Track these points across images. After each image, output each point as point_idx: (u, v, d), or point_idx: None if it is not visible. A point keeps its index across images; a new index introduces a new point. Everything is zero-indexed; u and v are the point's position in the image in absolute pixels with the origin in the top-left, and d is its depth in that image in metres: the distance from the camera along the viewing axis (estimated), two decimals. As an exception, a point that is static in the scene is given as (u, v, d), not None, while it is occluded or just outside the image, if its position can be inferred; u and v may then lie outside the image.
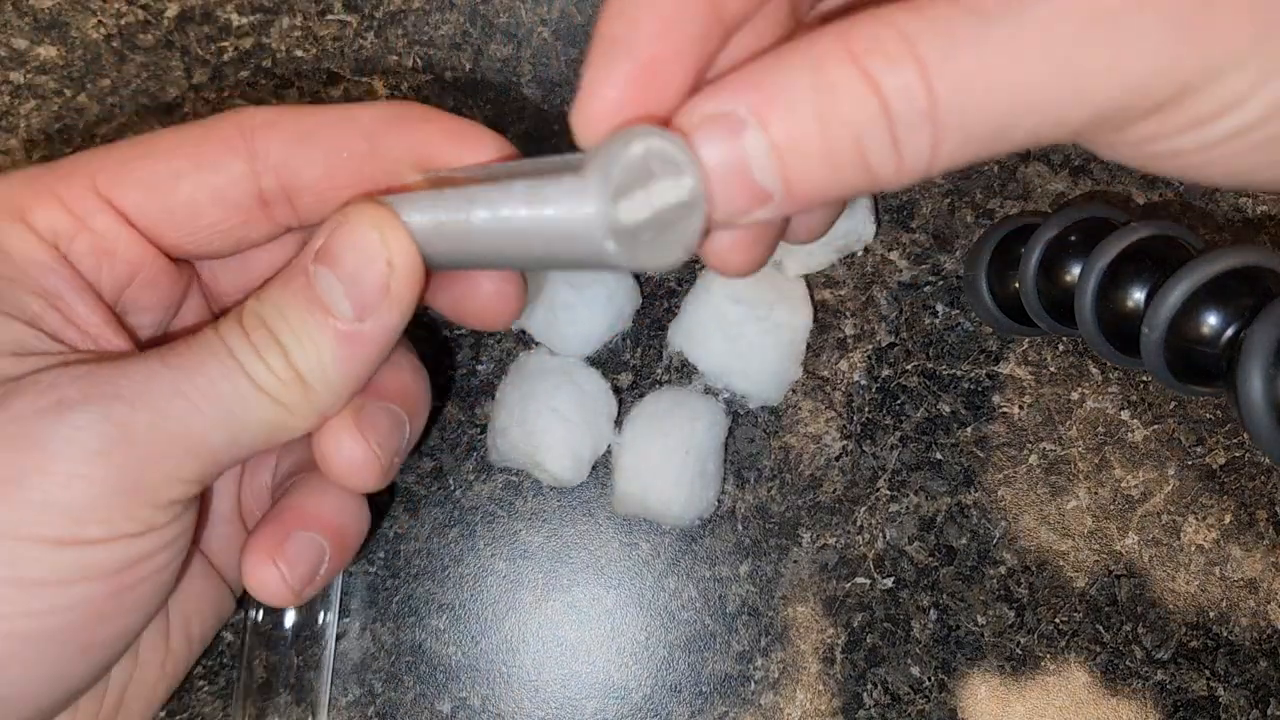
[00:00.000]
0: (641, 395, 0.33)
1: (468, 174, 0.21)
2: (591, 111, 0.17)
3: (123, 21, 0.34)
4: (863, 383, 0.33)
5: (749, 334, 0.31)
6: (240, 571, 0.23)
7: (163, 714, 0.31)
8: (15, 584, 0.19)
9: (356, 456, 0.22)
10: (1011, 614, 0.33)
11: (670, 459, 0.31)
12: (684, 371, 0.33)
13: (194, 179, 0.22)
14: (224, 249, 0.23)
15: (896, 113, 0.14)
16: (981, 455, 0.33)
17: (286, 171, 0.22)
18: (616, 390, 0.33)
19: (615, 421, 0.32)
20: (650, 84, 0.17)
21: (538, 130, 0.34)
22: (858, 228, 0.33)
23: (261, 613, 0.29)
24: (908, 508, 0.33)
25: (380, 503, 0.33)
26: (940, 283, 0.34)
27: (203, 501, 0.25)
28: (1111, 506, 0.33)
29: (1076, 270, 0.28)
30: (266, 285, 0.21)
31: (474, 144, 0.22)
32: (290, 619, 0.29)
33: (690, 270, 0.33)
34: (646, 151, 0.16)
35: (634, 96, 0.17)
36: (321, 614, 0.30)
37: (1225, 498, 0.33)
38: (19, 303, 0.20)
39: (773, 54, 0.15)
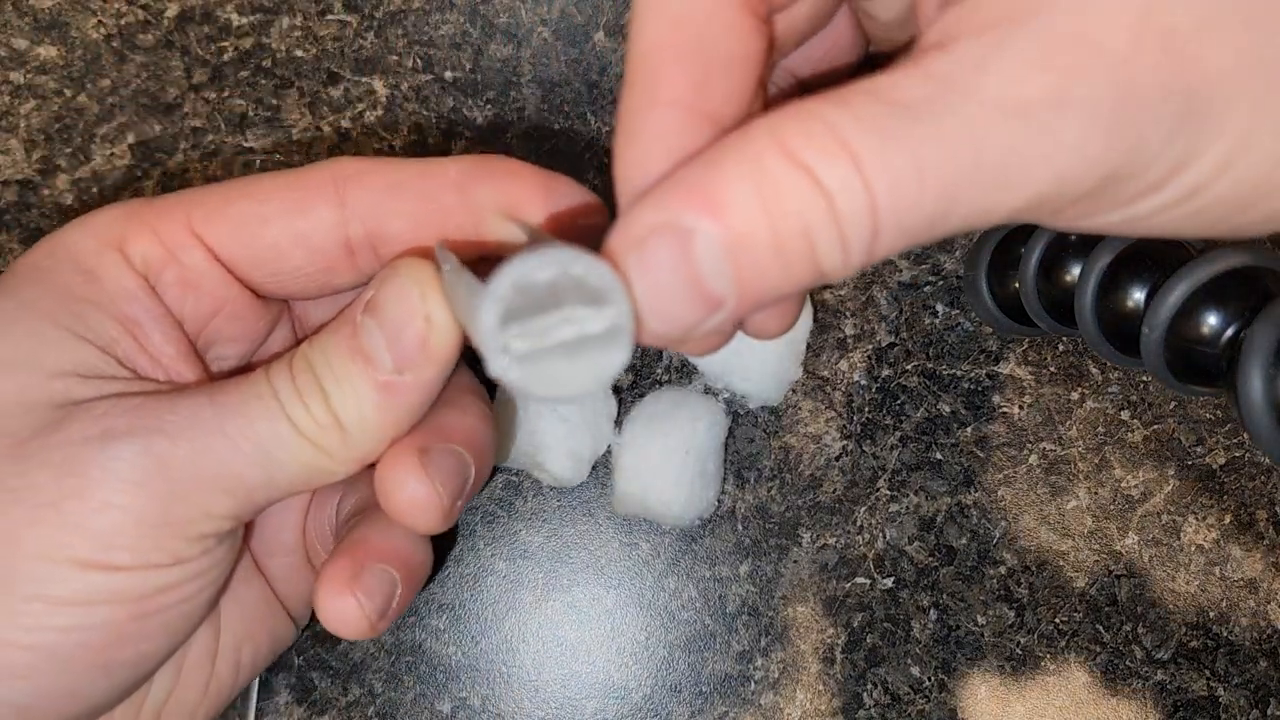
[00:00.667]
0: (641, 395, 0.33)
1: (538, 233, 0.22)
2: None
3: (123, 21, 0.34)
4: (863, 383, 0.33)
5: (749, 334, 0.32)
6: (315, 603, 0.23)
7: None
8: (43, 600, 0.19)
9: (419, 496, 0.22)
10: (1011, 614, 0.33)
11: (670, 459, 0.31)
12: (684, 371, 0.33)
13: (280, 223, 0.22)
14: (309, 291, 0.24)
15: (841, 209, 0.14)
16: (981, 455, 0.33)
17: (374, 221, 0.23)
18: (616, 390, 0.33)
19: (615, 421, 0.32)
20: None
21: (538, 130, 0.34)
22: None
23: None
24: (908, 508, 0.33)
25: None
26: (940, 283, 0.34)
27: (248, 532, 0.25)
28: (1111, 506, 0.33)
29: (1076, 270, 0.28)
30: (321, 330, 0.22)
31: (560, 196, 0.22)
32: None
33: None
34: (545, 279, 0.15)
35: None
36: None
37: (1225, 498, 0.33)
38: (97, 327, 0.21)
39: (703, 157, 0.15)
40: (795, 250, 0.15)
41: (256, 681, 0.31)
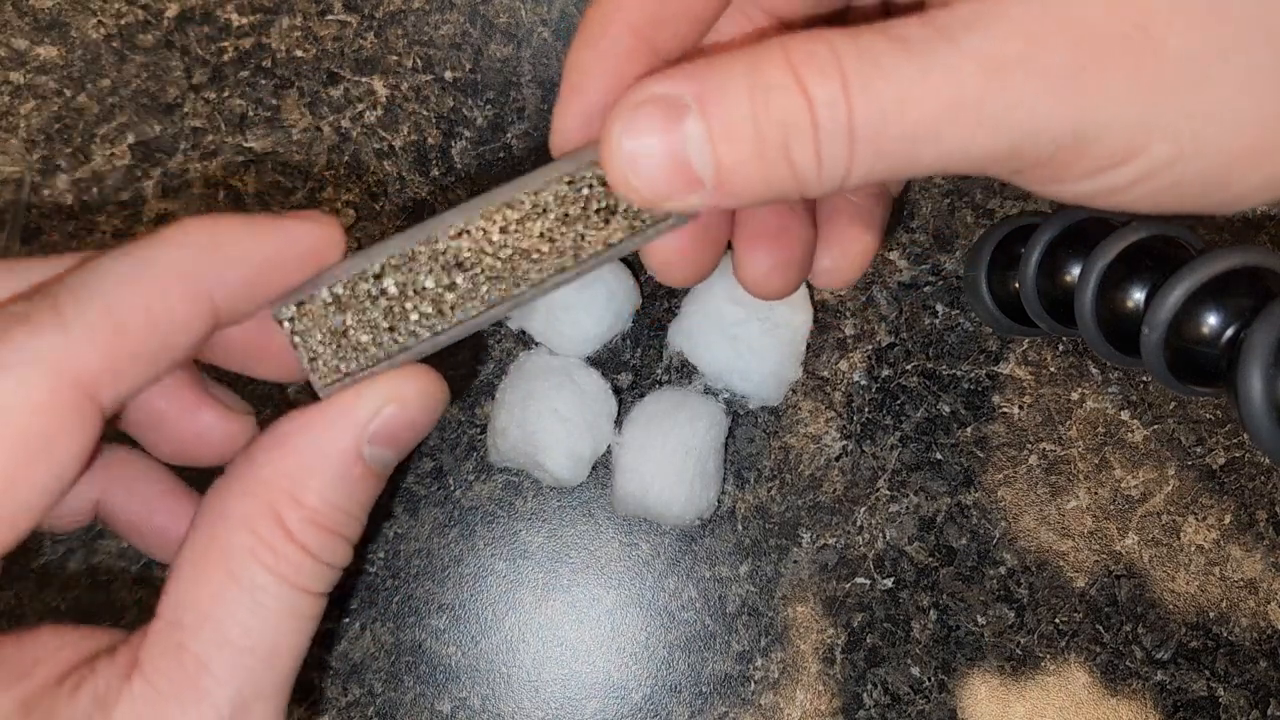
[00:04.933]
0: (641, 395, 0.33)
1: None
2: (560, 142, 0.20)
3: (123, 21, 0.34)
4: (863, 383, 0.33)
5: (749, 334, 0.31)
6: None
7: None
8: None
9: None
10: (1011, 614, 0.33)
11: (670, 459, 0.31)
12: (684, 371, 0.33)
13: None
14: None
15: (821, 122, 0.16)
16: (981, 455, 0.33)
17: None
18: (616, 390, 0.33)
19: (615, 421, 0.32)
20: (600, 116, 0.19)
21: (538, 130, 0.34)
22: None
23: None
24: (908, 508, 0.33)
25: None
26: (940, 283, 0.34)
27: None
28: (1111, 506, 0.33)
29: (1076, 270, 0.28)
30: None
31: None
32: None
33: (690, 270, 0.33)
34: None
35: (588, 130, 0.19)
36: None
37: (1225, 498, 0.33)
38: None
39: (718, 55, 0.17)
40: (772, 154, 0.16)
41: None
